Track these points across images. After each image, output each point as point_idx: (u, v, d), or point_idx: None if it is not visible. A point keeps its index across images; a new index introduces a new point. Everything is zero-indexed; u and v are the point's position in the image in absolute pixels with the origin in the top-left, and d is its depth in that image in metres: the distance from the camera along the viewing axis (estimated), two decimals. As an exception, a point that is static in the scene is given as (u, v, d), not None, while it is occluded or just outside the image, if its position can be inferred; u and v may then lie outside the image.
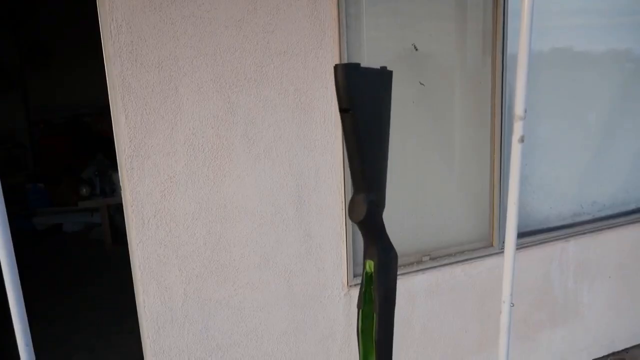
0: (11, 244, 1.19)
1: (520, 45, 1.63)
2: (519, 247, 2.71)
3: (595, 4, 2.97)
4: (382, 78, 0.65)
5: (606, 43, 3.01)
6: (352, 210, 0.94)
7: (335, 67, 0.65)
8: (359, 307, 1.13)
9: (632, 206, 3.22)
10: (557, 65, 2.88)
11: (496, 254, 2.73)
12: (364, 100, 0.68)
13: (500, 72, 2.58)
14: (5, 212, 1.17)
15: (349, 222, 2.35)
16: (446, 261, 2.65)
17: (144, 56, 1.91)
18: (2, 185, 1.20)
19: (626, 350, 3.35)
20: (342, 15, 2.20)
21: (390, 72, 0.64)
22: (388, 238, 0.75)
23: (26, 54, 6.59)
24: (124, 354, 3.40)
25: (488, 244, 2.77)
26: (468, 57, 2.62)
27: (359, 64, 0.66)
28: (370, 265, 1.13)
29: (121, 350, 3.44)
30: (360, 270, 2.48)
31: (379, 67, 0.65)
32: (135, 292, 2.07)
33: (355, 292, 2.43)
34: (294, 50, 2.14)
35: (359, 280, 2.45)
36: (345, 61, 2.25)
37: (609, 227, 3.08)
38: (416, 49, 2.46)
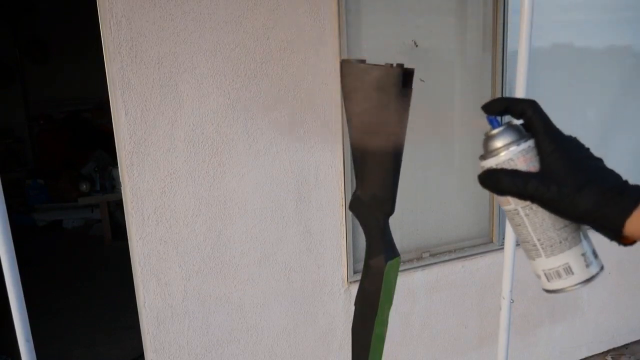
0: (11, 239, 1.19)
1: (520, 41, 1.63)
2: (519, 243, 2.71)
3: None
4: (387, 75, 0.64)
5: (607, 39, 3.01)
6: None
7: (341, 62, 0.66)
8: None
9: (632, 203, 3.22)
10: (557, 61, 2.88)
11: (496, 250, 2.73)
12: (357, 97, 0.68)
13: (500, 69, 2.58)
14: (5, 208, 1.17)
15: (349, 218, 2.35)
16: (446, 257, 2.65)
17: (143, 52, 1.91)
18: (1, 180, 1.20)
19: (626, 346, 3.35)
20: (342, 11, 2.20)
21: (400, 71, 0.63)
22: (382, 243, 0.75)
23: (26, 49, 6.58)
24: (124, 349, 3.41)
25: (488, 240, 2.78)
26: (468, 53, 2.62)
27: (363, 60, 0.66)
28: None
29: (121, 346, 3.45)
30: (359, 267, 2.48)
31: (393, 64, 0.64)
32: (135, 288, 2.08)
33: (355, 289, 2.43)
34: (294, 47, 2.14)
35: (358, 276, 2.45)
36: (345, 56, 2.25)
37: (609, 224, 3.07)
38: (416, 45, 2.46)
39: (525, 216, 0.62)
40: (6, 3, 6.25)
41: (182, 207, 2.07)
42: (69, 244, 5.58)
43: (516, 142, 0.61)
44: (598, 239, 0.66)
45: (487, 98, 2.63)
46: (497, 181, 0.61)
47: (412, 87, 0.67)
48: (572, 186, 0.57)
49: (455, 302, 2.71)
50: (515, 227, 0.64)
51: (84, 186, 5.50)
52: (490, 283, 2.76)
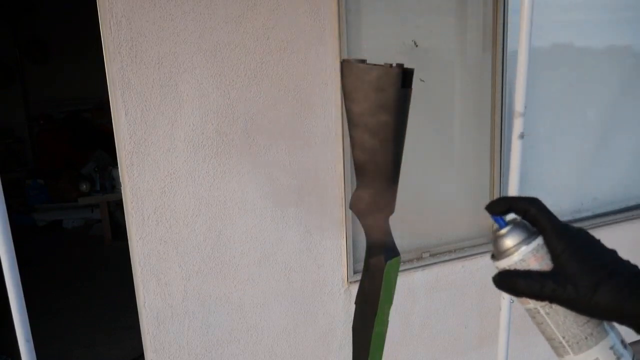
0: (11, 239, 1.19)
1: (520, 41, 1.63)
2: (519, 243, 2.71)
3: None
4: (386, 75, 0.64)
5: (607, 39, 3.01)
6: None
7: (341, 62, 0.66)
8: None
9: (632, 202, 3.22)
10: (557, 61, 2.88)
11: (496, 250, 2.73)
12: (358, 97, 0.68)
13: (500, 69, 2.58)
14: (5, 208, 1.17)
15: (349, 218, 2.35)
16: (446, 257, 2.65)
17: (143, 52, 1.91)
18: (1, 180, 1.20)
19: (625, 346, 3.35)
20: (342, 11, 2.20)
21: (400, 71, 0.63)
22: (382, 243, 0.75)
23: (26, 49, 6.58)
24: (124, 349, 3.41)
25: (488, 240, 2.77)
26: (468, 53, 2.62)
27: (364, 60, 0.66)
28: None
29: (121, 346, 3.45)
30: (359, 267, 2.48)
31: (392, 64, 0.64)
32: (135, 288, 2.08)
33: (355, 289, 2.43)
34: (294, 47, 2.14)
35: (358, 276, 2.45)
36: (345, 57, 2.25)
37: (609, 224, 3.08)
38: (416, 45, 2.46)
39: (546, 315, 0.62)
40: (6, 3, 6.25)
41: (182, 207, 2.07)
42: (69, 244, 5.58)
43: (525, 241, 0.61)
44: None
45: (487, 98, 2.63)
46: (512, 284, 0.62)
47: (412, 87, 0.67)
48: (588, 285, 0.57)
49: (455, 302, 2.71)
50: (538, 325, 0.64)
51: (84, 186, 5.50)
52: (490, 283, 2.75)
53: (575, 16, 2.90)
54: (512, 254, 0.62)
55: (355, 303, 0.77)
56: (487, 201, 0.64)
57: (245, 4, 2.03)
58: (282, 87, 2.14)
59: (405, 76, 0.65)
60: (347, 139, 2.29)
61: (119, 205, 5.30)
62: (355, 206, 0.75)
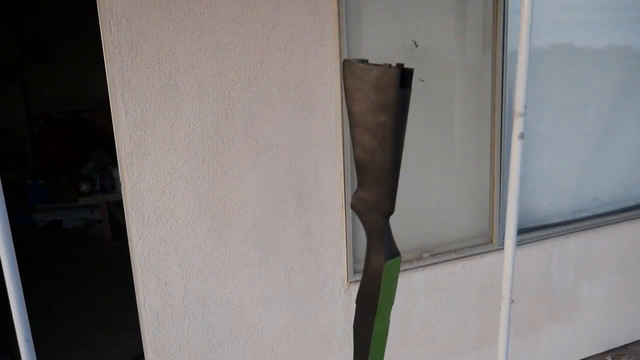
0: (11, 239, 1.19)
1: (520, 41, 1.63)
2: (519, 243, 2.71)
3: None
4: (385, 76, 0.64)
5: (606, 39, 3.01)
6: None
7: (342, 62, 0.66)
8: None
9: (632, 203, 3.22)
10: (557, 61, 2.88)
11: (496, 250, 2.73)
12: (359, 97, 0.68)
13: (500, 69, 2.58)
14: (5, 208, 1.17)
15: (349, 218, 2.35)
16: (446, 258, 2.65)
17: (143, 52, 1.91)
18: (1, 180, 1.20)
19: (626, 346, 3.35)
20: (342, 11, 2.20)
21: (399, 71, 0.63)
22: (383, 243, 0.75)
23: (26, 49, 6.57)
24: (124, 349, 3.41)
25: (488, 241, 2.77)
26: (468, 53, 2.62)
27: (365, 60, 0.66)
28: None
29: (121, 346, 3.45)
30: (359, 267, 2.48)
31: (392, 64, 0.64)
32: (135, 288, 2.08)
33: (355, 289, 2.43)
34: (294, 47, 2.14)
35: (359, 276, 2.45)
36: (345, 57, 2.25)
37: (609, 224, 3.08)
38: (416, 45, 2.46)
39: None
40: (6, 3, 6.25)
41: (182, 207, 2.07)
42: (69, 244, 5.58)
43: None
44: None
45: (487, 98, 2.63)
46: None
47: (412, 87, 0.67)
48: None
49: (455, 302, 2.71)
50: None
51: (84, 186, 5.50)
52: (490, 283, 2.76)
53: (575, 16, 2.90)
54: None
55: (356, 302, 0.78)
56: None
57: (245, 4, 2.03)
58: (282, 87, 2.15)
59: (404, 76, 0.65)
60: (347, 139, 2.29)
61: (119, 205, 5.30)
62: (355, 206, 0.76)
